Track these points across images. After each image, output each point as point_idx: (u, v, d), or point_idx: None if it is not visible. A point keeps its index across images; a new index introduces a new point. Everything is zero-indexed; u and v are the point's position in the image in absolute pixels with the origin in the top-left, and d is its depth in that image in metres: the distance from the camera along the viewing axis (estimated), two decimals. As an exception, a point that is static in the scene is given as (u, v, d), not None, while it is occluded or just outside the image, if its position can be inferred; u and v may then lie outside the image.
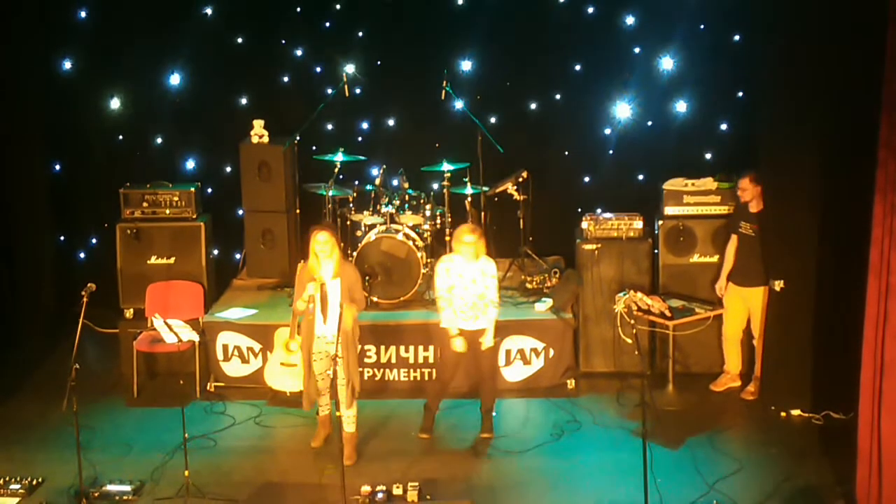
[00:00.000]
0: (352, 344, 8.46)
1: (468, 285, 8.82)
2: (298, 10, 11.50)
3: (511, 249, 11.06)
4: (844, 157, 8.43)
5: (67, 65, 11.37)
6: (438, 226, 10.71)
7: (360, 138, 11.74)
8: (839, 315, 8.60)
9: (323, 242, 8.38)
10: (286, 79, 11.70)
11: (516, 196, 10.71)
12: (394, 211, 10.53)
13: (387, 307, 10.29)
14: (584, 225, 10.27)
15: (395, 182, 10.94)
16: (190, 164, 11.74)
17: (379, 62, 11.60)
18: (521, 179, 10.69)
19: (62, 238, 11.75)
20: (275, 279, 11.00)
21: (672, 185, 10.27)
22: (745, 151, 11.09)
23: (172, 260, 10.62)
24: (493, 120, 11.38)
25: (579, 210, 10.99)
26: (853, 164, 8.11)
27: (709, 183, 10.17)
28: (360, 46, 11.55)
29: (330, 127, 11.66)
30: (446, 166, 10.69)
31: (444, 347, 9.10)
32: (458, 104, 10.91)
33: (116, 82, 11.37)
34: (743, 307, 9.70)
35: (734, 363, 9.84)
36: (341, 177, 10.73)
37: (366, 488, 8.12)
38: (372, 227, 10.56)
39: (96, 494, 8.19)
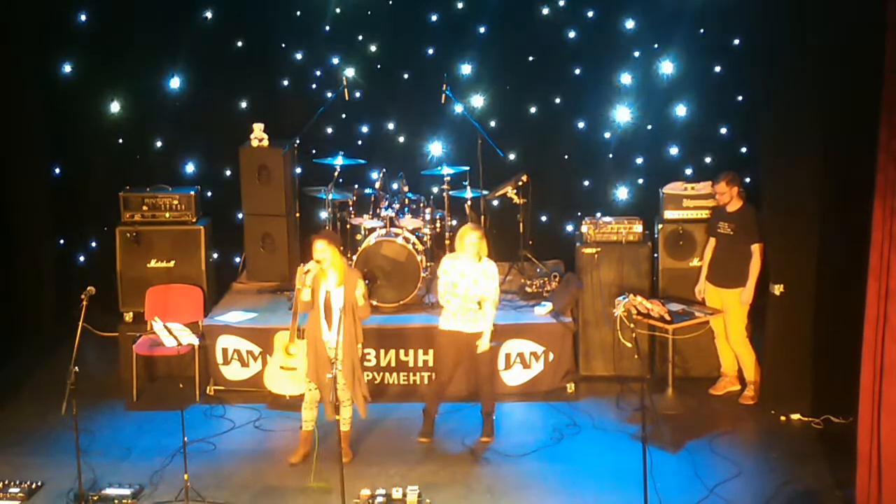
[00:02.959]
0: (354, 351, 8.46)
1: (470, 285, 8.82)
2: (298, 13, 11.51)
3: (511, 253, 11.06)
4: (844, 161, 8.44)
5: (67, 68, 11.35)
6: (438, 229, 10.71)
7: (359, 142, 11.75)
8: (839, 319, 8.59)
9: (320, 251, 8.36)
10: (286, 82, 11.71)
11: (516, 200, 10.70)
12: (393, 214, 10.53)
13: (387, 311, 10.28)
14: (584, 228, 10.26)
15: (394, 185, 10.94)
16: (190, 168, 11.74)
17: (379, 66, 11.62)
18: (520, 183, 10.67)
19: (62, 241, 11.74)
20: (274, 283, 10.99)
21: (672, 189, 10.26)
22: (745, 155, 11.15)
23: (172, 263, 10.61)
24: (492, 123, 11.38)
25: (579, 214, 11.00)
26: (853, 168, 8.11)
27: (708, 187, 10.18)
28: (359, 50, 11.58)
29: (330, 130, 11.66)
30: (446, 170, 10.70)
31: (440, 349, 9.10)
32: (458, 108, 10.91)
33: (117, 86, 11.36)
34: (723, 307, 9.71)
35: (729, 363, 9.83)
36: (341, 180, 10.73)
37: (365, 492, 8.11)
38: (372, 230, 10.56)
39: (96, 498, 8.18)
